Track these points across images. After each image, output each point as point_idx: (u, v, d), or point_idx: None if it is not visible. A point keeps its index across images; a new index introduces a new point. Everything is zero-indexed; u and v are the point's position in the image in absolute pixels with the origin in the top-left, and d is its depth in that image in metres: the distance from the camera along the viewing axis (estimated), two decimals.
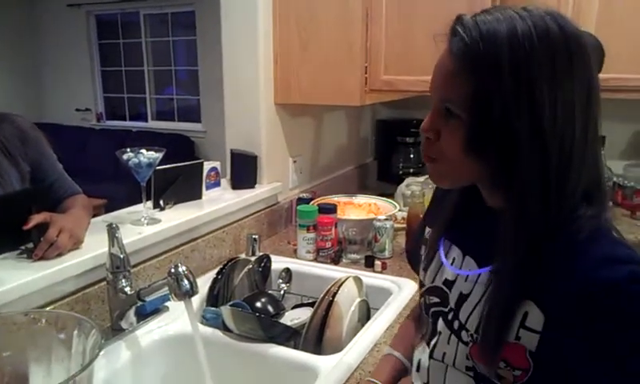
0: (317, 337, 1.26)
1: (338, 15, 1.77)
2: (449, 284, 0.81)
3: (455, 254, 0.82)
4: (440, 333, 0.81)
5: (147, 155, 1.37)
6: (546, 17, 0.67)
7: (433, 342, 0.83)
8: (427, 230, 0.94)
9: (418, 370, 0.88)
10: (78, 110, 6.43)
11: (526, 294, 0.68)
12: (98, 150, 5.66)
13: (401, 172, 2.64)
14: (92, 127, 6.32)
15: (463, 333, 0.77)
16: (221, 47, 1.89)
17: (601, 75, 1.91)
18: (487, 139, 0.67)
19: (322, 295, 1.29)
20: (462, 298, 0.78)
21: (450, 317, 0.80)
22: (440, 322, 0.82)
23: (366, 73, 1.78)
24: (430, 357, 0.84)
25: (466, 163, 0.71)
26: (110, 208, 1.61)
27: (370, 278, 1.55)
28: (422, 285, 0.91)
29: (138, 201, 1.54)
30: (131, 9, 5.96)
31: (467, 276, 0.78)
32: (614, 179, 2.35)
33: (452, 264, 0.82)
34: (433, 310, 0.84)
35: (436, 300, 0.84)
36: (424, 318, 0.89)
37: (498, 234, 0.71)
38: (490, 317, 0.71)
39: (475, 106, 0.67)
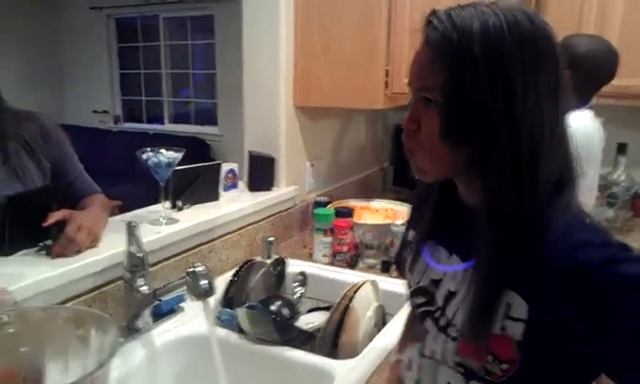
0: (332, 341, 1.25)
1: (360, 18, 1.76)
2: (435, 283, 0.82)
3: (441, 254, 0.83)
4: (428, 331, 0.83)
5: (167, 155, 1.37)
6: (517, 11, 0.69)
7: (422, 341, 0.84)
8: (411, 233, 0.94)
9: (409, 368, 0.88)
10: (95, 112, 6.50)
11: (506, 285, 0.69)
12: (115, 152, 5.69)
13: (417, 177, 2.62)
14: (109, 129, 6.37)
15: (450, 329, 0.78)
16: (239, 51, 1.89)
17: (622, 82, 1.90)
18: (462, 124, 0.69)
19: (338, 299, 1.28)
20: (450, 296, 0.79)
21: (437, 315, 0.81)
22: (428, 320, 0.83)
23: (387, 76, 1.76)
24: (421, 355, 0.85)
25: (443, 152, 0.72)
26: (125, 209, 1.61)
27: (387, 284, 1.53)
28: (409, 286, 0.92)
29: (154, 203, 1.54)
30: (151, 13, 6.01)
31: (454, 271, 0.79)
32: (636, 188, 2.30)
33: (438, 264, 0.83)
34: (421, 310, 0.85)
35: (423, 300, 0.85)
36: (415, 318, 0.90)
37: (476, 228, 0.72)
38: (473, 310, 0.72)
39: (450, 91, 0.69)
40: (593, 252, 0.66)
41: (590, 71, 1.75)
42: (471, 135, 0.69)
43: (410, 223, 0.99)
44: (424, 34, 0.73)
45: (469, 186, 0.78)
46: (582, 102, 1.80)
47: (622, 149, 2.18)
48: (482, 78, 0.67)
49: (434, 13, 0.72)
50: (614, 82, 1.87)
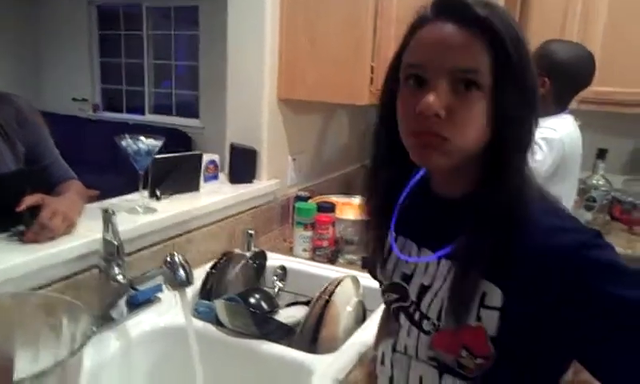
0: (312, 336, 1.23)
1: (347, 12, 1.74)
2: (407, 278, 0.82)
3: (410, 248, 0.82)
4: (401, 326, 0.82)
5: (146, 143, 1.35)
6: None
7: (395, 336, 0.84)
8: (373, 232, 0.90)
9: (382, 363, 0.88)
10: (75, 99, 6.38)
11: (483, 275, 0.69)
12: (94, 141, 5.60)
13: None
14: (88, 118, 6.26)
15: (425, 322, 0.77)
16: (223, 44, 1.87)
17: (604, 88, 1.93)
18: (512, 105, 0.67)
19: (318, 293, 1.27)
20: (423, 290, 0.78)
21: (411, 310, 0.80)
22: (401, 316, 0.83)
23: (372, 72, 1.75)
24: (393, 350, 0.84)
25: (482, 136, 0.68)
26: (103, 199, 1.57)
27: (367, 279, 1.51)
28: (381, 284, 0.91)
29: (131, 193, 1.51)
30: (134, 1, 5.92)
31: (425, 265, 0.78)
32: (613, 193, 2.34)
33: (410, 257, 0.82)
34: (394, 306, 0.85)
35: (395, 296, 0.84)
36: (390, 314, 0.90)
37: (457, 219, 0.71)
38: (454, 298, 0.72)
39: (500, 72, 0.66)
40: (567, 236, 0.66)
41: (569, 77, 1.77)
42: (518, 115, 0.68)
43: (371, 223, 0.91)
44: (444, 14, 0.68)
45: (451, 174, 0.74)
46: (562, 106, 1.82)
47: (601, 154, 2.21)
48: (523, 59, 0.67)
49: None
50: (596, 89, 1.90)
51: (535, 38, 1.60)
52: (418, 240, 0.81)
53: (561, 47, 1.80)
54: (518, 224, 0.68)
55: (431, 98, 0.66)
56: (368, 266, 1.04)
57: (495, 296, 0.69)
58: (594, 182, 2.21)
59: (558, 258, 0.65)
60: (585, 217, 2.18)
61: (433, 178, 0.80)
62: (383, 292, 0.90)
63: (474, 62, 0.66)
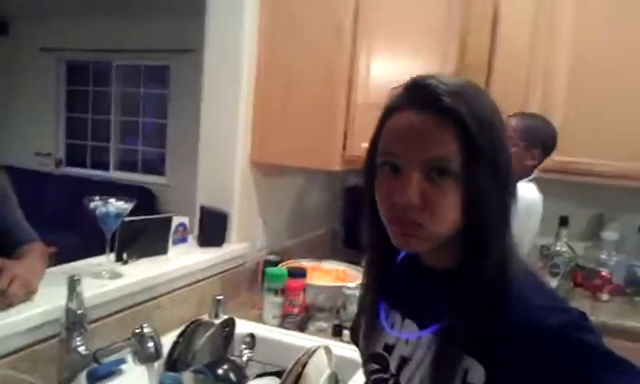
0: None
1: (321, 78, 1.79)
2: (389, 349, 0.81)
3: (395, 318, 0.82)
4: None
5: (116, 205, 1.31)
6: (477, 85, 0.74)
7: None
8: (367, 299, 0.92)
9: None
10: (38, 154, 6.24)
11: (465, 351, 0.69)
12: (55, 197, 5.45)
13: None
14: (50, 172, 6.11)
15: None
16: (192, 103, 1.89)
17: (566, 158, 2.01)
18: (483, 191, 0.68)
19: (291, 365, 1.23)
20: (403, 361, 0.78)
21: (390, 383, 0.79)
22: None
23: (345, 139, 1.78)
24: None
25: (458, 219, 0.69)
26: (62, 258, 1.51)
27: (339, 349, 1.49)
28: (362, 354, 0.90)
29: (93, 252, 1.46)
30: (104, 59, 5.94)
31: (407, 339, 0.78)
32: (575, 260, 2.40)
33: (392, 328, 0.82)
34: (374, 377, 0.84)
35: (376, 367, 0.83)
36: None
37: (440, 293, 0.72)
38: (436, 376, 0.71)
39: (469, 159, 0.67)
40: (556, 317, 0.67)
41: (550, 147, 1.90)
42: (491, 197, 0.69)
43: (365, 289, 0.95)
44: (416, 103, 0.70)
45: (433, 252, 0.75)
46: (527, 174, 1.91)
47: (563, 221, 2.28)
48: (496, 138, 0.69)
49: (423, 82, 0.71)
50: (557, 158, 1.99)
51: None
52: (402, 311, 0.81)
53: (542, 120, 1.94)
54: (502, 301, 0.69)
55: (406, 189, 0.68)
56: (353, 329, 1.03)
57: (478, 373, 0.68)
58: (558, 248, 2.26)
59: (549, 337, 0.65)
60: (550, 284, 2.21)
61: (418, 253, 0.80)
62: (364, 362, 0.88)
63: (444, 150, 0.67)
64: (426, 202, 0.68)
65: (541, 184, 1.95)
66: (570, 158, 1.94)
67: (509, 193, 0.71)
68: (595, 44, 2.21)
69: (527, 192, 1.85)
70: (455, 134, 0.67)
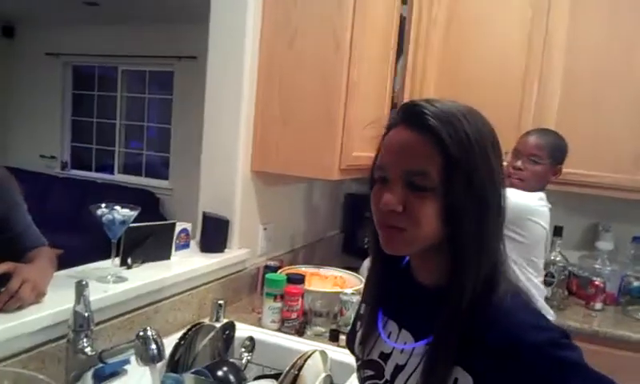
0: None
1: (320, 88, 1.84)
2: (384, 357, 0.85)
3: (392, 328, 0.86)
4: None
5: (122, 213, 1.36)
6: (471, 108, 0.78)
7: None
8: (365, 307, 0.97)
9: None
10: (43, 156, 6.32)
11: (455, 362, 0.73)
12: (60, 199, 5.52)
13: (366, 246, 2.68)
14: (55, 175, 6.19)
15: None
16: (195, 108, 1.94)
17: (565, 169, 2.05)
18: (462, 206, 0.74)
19: (287, 368, 1.28)
20: (398, 370, 0.81)
21: None
22: None
23: (342, 149, 1.84)
24: None
25: (438, 231, 0.75)
26: (66, 260, 1.56)
27: (335, 353, 1.54)
28: (357, 359, 0.95)
29: (97, 254, 1.51)
30: (110, 64, 6.01)
31: (402, 349, 0.82)
32: (570, 268, 2.44)
33: (388, 337, 0.86)
34: (368, 383, 0.88)
35: (371, 373, 0.87)
36: None
37: (433, 307, 0.76)
38: None
39: (449, 176, 0.73)
40: (540, 334, 0.71)
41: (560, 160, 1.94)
42: (470, 213, 0.74)
43: (365, 298, 1.01)
44: (406, 122, 0.77)
45: (424, 264, 0.82)
46: (542, 187, 1.96)
47: (558, 231, 2.32)
48: (477, 161, 0.74)
49: (413, 103, 0.78)
50: None
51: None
52: (399, 321, 0.86)
53: (559, 136, 1.98)
54: (489, 316, 0.73)
55: (389, 196, 0.76)
56: (349, 335, 1.08)
57: (466, 381, 0.73)
58: (552, 257, 2.31)
59: (530, 353, 0.69)
60: (545, 293, 2.26)
61: (412, 266, 0.85)
62: (359, 368, 0.93)
63: (424, 164, 0.74)
64: (407, 210, 0.75)
65: None
66: (565, 168, 1.98)
67: (486, 208, 0.75)
68: (589, 54, 2.27)
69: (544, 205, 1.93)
70: (436, 151, 0.74)
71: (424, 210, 0.74)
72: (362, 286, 1.97)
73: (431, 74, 2.46)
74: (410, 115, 0.77)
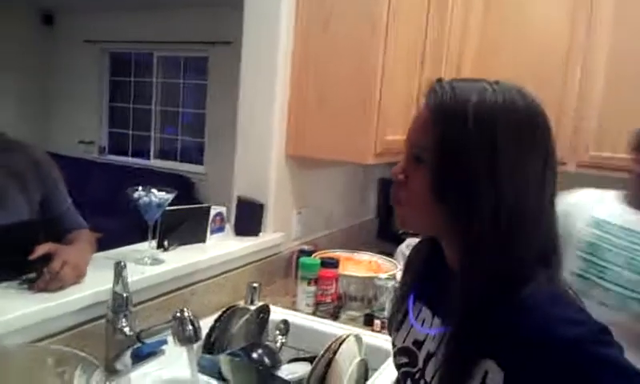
0: None
1: (355, 71, 1.81)
2: (418, 344, 0.84)
3: (425, 315, 0.86)
4: None
5: (158, 195, 1.38)
6: (514, 90, 0.75)
7: None
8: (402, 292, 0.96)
9: None
10: (81, 142, 6.48)
11: (484, 353, 0.70)
12: (98, 183, 5.66)
13: (400, 231, 2.65)
14: (93, 160, 6.34)
15: None
16: (230, 94, 1.94)
17: (602, 154, 1.94)
18: (450, 183, 0.72)
19: (322, 351, 1.27)
20: (429, 357, 0.80)
21: (417, 376, 0.82)
22: (408, 381, 0.85)
23: (376, 133, 1.81)
24: None
25: (431, 208, 0.75)
26: (104, 243, 1.59)
27: (369, 337, 1.53)
28: (394, 345, 0.94)
29: (134, 237, 1.53)
30: (146, 50, 6.10)
31: (434, 335, 0.81)
32: None
33: (422, 325, 0.85)
34: (402, 370, 0.87)
35: (405, 360, 0.87)
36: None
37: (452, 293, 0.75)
38: (444, 376, 0.74)
39: (441, 151, 0.73)
40: (574, 329, 0.67)
41: None
42: (457, 193, 0.72)
43: (402, 283, 1.00)
44: (426, 99, 0.78)
45: (450, 247, 0.80)
46: None
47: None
48: (471, 142, 0.71)
49: (439, 81, 0.78)
50: (593, 153, 1.97)
51: None
52: (432, 308, 0.85)
53: None
54: (517, 307, 0.69)
55: (396, 166, 0.80)
56: (390, 321, 1.07)
57: (497, 377, 0.70)
58: None
59: (560, 349, 0.66)
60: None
61: (444, 251, 0.83)
62: (395, 355, 0.92)
63: (423, 140, 0.76)
64: (407, 180, 0.78)
65: (575, 179, 1.92)
66: (606, 153, 1.90)
67: (478, 195, 0.71)
68: (634, 37, 2.16)
69: None
70: (436, 128, 0.74)
71: (416, 181, 0.76)
72: (396, 271, 1.96)
73: (468, 55, 2.39)
74: (427, 92, 0.79)
